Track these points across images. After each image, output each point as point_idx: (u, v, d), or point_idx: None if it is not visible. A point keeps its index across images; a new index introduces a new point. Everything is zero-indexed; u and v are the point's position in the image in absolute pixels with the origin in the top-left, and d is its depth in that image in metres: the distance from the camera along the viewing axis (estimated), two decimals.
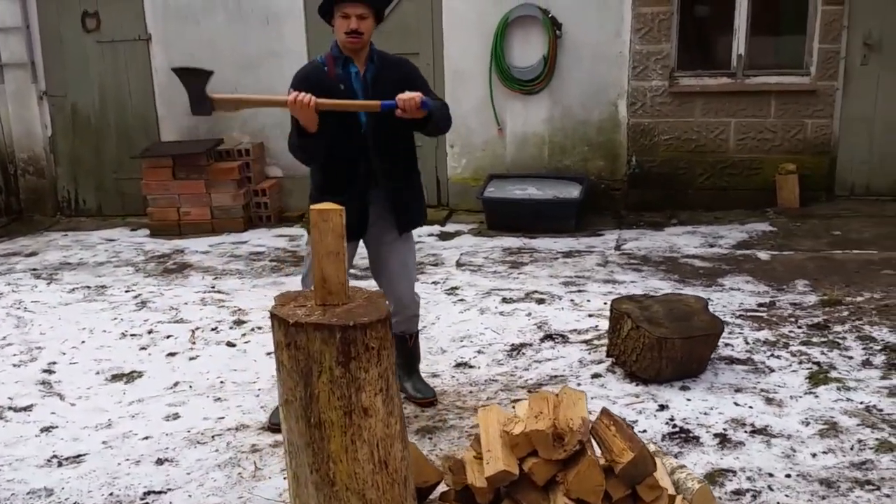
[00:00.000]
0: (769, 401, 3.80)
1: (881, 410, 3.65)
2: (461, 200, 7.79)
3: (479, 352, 4.68)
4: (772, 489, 3.13)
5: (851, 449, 3.36)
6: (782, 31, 7.34)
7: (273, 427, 3.84)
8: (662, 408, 3.79)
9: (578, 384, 4.13)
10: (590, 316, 5.09)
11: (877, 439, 3.40)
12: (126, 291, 6.04)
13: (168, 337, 5.13)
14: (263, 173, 8.04)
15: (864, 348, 4.33)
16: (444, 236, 7.14)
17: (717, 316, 4.23)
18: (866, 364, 4.14)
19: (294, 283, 5.99)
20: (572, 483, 2.72)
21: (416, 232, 7.08)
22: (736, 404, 3.77)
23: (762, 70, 7.30)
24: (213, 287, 6.02)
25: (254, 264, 6.66)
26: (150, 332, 5.22)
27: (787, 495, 3.08)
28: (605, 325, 4.89)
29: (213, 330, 5.20)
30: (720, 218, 7.17)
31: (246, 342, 5.00)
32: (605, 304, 5.26)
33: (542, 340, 4.79)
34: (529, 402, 2.99)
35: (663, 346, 3.89)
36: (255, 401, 4.26)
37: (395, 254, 3.94)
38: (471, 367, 4.52)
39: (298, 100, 3.37)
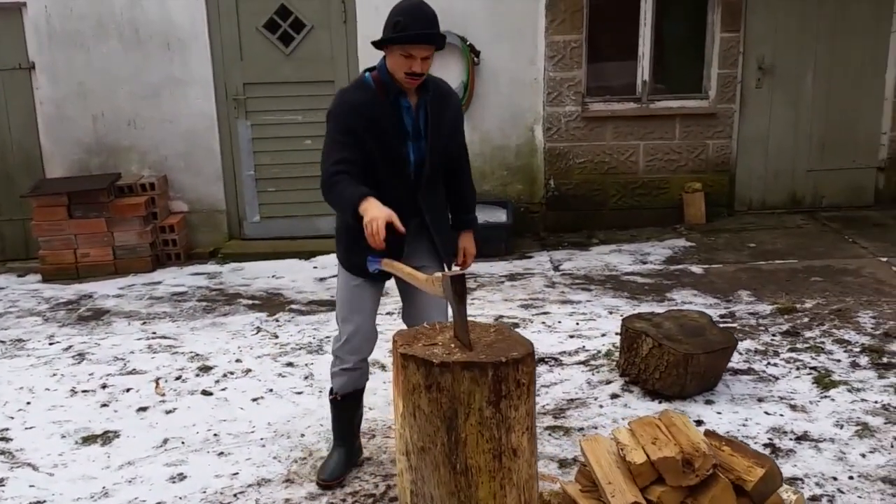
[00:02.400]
0: (793, 408, 3.96)
1: None
2: None
3: None
4: (842, 492, 3.25)
5: (892, 447, 3.55)
6: (683, 57, 7.75)
7: (325, 484, 3.58)
8: (699, 423, 3.85)
9: (601, 406, 4.14)
10: (571, 337, 5.11)
11: None
12: (50, 344, 5.45)
13: (128, 390, 4.66)
14: (168, 208, 7.54)
15: (845, 351, 4.61)
16: None
17: (725, 329, 4.37)
18: (855, 366, 4.41)
19: (235, 324, 5.67)
20: None
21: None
22: (767, 413, 3.90)
23: (666, 95, 7.69)
24: (155, 333, 5.55)
25: (181, 306, 6.20)
26: (103, 386, 4.73)
27: (859, 496, 3.21)
28: (591, 345, 4.97)
29: (177, 379, 4.78)
30: (636, 236, 7.45)
31: (222, 390, 4.63)
32: (577, 324, 5.36)
33: (536, 364, 4.75)
34: (634, 429, 2.95)
35: (689, 361, 3.97)
36: (262, 452, 3.94)
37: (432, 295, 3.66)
38: None
39: (376, 234, 2.95)
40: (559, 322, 5.40)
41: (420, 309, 3.53)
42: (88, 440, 4.13)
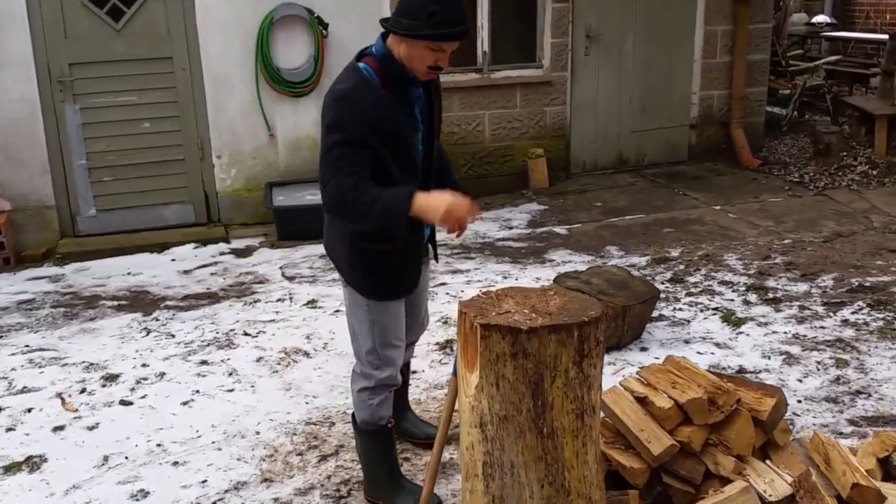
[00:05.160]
0: (718, 345, 4.34)
1: (805, 336, 4.38)
2: (235, 214, 7.29)
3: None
4: (798, 415, 3.63)
5: (818, 371, 4.00)
6: (519, 28, 8.02)
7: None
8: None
9: None
10: None
11: (830, 358, 4.09)
12: None
13: (29, 410, 4.17)
14: None
15: (733, 291, 5.09)
16: (239, 253, 6.66)
17: (646, 279, 4.66)
18: (748, 303, 4.89)
19: (110, 327, 5.24)
20: (733, 441, 2.91)
21: (206, 252, 6.59)
22: (699, 353, 4.24)
23: (505, 65, 7.94)
24: (28, 346, 4.96)
25: (36, 314, 5.58)
26: None
27: (814, 417, 3.60)
28: None
29: (83, 392, 4.33)
30: (490, 203, 7.66)
31: (142, 397, 4.26)
32: (479, 290, 5.44)
33: None
34: (646, 377, 3.10)
35: (626, 313, 4.21)
36: (222, 455, 3.71)
37: (426, 276, 3.45)
38: (413, 371, 4.39)
39: (464, 218, 2.76)
40: (462, 291, 5.48)
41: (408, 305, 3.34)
42: (12, 469, 3.66)
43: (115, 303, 5.73)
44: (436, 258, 3.47)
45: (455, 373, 2.84)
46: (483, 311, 2.51)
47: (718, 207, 7.13)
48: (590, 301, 2.55)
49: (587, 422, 2.50)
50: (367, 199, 2.75)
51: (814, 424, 3.52)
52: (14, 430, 3.99)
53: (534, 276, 5.67)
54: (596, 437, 2.56)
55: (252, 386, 4.35)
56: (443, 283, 5.65)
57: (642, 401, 3.01)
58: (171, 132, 7.04)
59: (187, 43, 6.90)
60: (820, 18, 11.23)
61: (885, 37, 9.65)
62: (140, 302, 5.73)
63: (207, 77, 7.00)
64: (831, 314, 4.66)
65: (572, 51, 8.01)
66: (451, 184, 3.41)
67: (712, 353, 4.24)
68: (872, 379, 3.90)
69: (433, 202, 2.74)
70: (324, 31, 7.13)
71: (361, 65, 2.90)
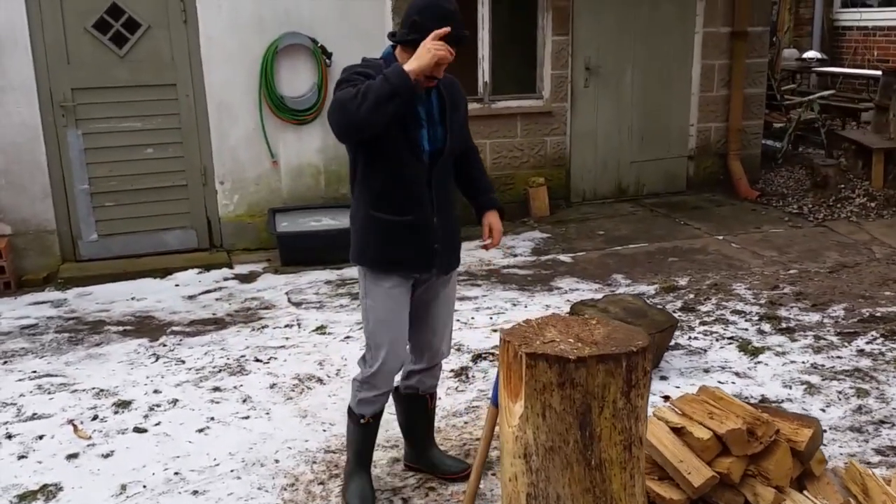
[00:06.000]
0: (738, 374, 4.34)
1: (823, 366, 4.39)
2: (237, 240, 7.25)
3: None
4: (824, 444, 3.60)
5: (839, 400, 4.01)
6: (519, 60, 8.08)
7: None
8: (666, 398, 4.09)
9: None
10: (494, 331, 5.19)
11: (850, 388, 4.10)
12: None
13: (41, 437, 4.09)
14: None
15: (746, 321, 5.10)
16: (243, 279, 6.61)
17: (662, 309, 4.66)
18: (763, 332, 4.90)
19: (117, 353, 5.17)
20: (772, 472, 2.90)
21: (210, 277, 6.55)
22: (720, 382, 4.23)
23: (505, 95, 7.99)
24: (36, 371, 4.88)
25: (40, 339, 5.50)
26: (8, 437, 4.10)
27: (840, 446, 3.59)
28: None
29: (95, 419, 4.26)
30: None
31: (156, 424, 4.19)
32: (491, 318, 5.46)
33: (473, 361, 4.79)
34: (681, 408, 3.09)
35: None
36: (242, 484, 3.65)
37: (445, 299, 3.43)
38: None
39: (441, 46, 2.89)
40: (472, 318, 5.46)
41: (428, 325, 3.42)
42: (27, 497, 3.58)
43: (121, 328, 5.66)
44: (453, 266, 3.42)
45: (495, 402, 2.82)
46: (527, 341, 2.49)
47: (721, 237, 7.18)
48: (635, 331, 2.55)
49: (635, 453, 2.48)
50: (369, 93, 2.84)
51: (840, 454, 3.52)
52: (26, 457, 3.91)
53: (543, 304, 5.67)
54: (642, 469, 2.54)
55: (267, 413, 4.29)
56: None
57: (678, 431, 3.00)
58: (173, 158, 7.01)
59: (191, 70, 6.90)
60: (811, 54, 11.41)
61: (876, 72, 9.84)
62: (146, 327, 5.66)
63: (211, 104, 6.99)
64: (846, 344, 4.68)
65: (572, 82, 8.08)
66: (484, 198, 3.42)
67: (733, 383, 4.24)
68: (894, 409, 3.91)
69: (412, 60, 2.88)
70: (327, 61, 7.16)
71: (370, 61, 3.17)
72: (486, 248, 3.47)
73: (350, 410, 3.43)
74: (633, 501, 2.50)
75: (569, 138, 8.21)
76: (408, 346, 3.43)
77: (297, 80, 7.15)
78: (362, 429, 3.41)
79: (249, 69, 7.01)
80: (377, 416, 3.42)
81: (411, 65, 2.87)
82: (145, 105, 6.84)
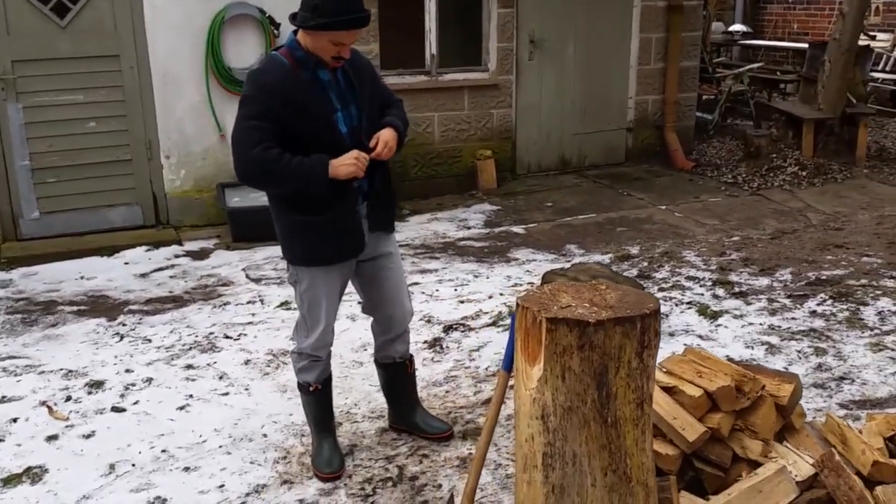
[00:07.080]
0: (701, 337, 4.54)
1: (780, 327, 4.62)
2: (185, 216, 7.12)
3: None
4: None
5: (800, 359, 4.24)
6: (466, 32, 8.12)
7: (332, 476, 3.47)
8: None
9: None
10: (461, 303, 5.28)
11: (809, 347, 4.34)
12: None
13: (15, 420, 4.00)
14: None
15: (700, 286, 5.32)
16: (195, 255, 6.51)
17: (628, 276, 4.82)
18: (718, 297, 5.12)
19: (76, 333, 5.07)
20: (759, 425, 3.07)
21: (160, 254, 6.44)
22: (686, 345, 4.39)
23: (452, 68, 8.03)
24: None
25: None
26: None
27: (806, 401, 3.80)
28: (486, 307, 5.19)
29: (69, 400, 4.18)
30: (441, 204, 7.73)
31: (134, 403, 4.15)
32: (455, 289, 5.54)
33: (445, 332, 4.87)
34: (670, 368, 3.23)
35: None
36: (233, 459, 3.66)
37: (393, 267, 3.56)
38: None
39: (360, 162, 3.15)
40: (437, 290, 5.53)
41: (383, 298, 3.55)
42: (12, 481, 3.51)
43: (75, 308, 5.52)
44: (388, 229, 3.51)
45: (506, 367, 2.91)
46: (544, 306, 2.57)
47: (664, 207, 7.41)
48: (645, 294, 2.66)
49: (646, 410, 2.60)
50: (281, 166, 3.04)
51: (808, 410, 3.73)
52: (3, 440, 3.83)
53: (504, 275, 5.78)
54: (651, 425, 2.67)
55: (246, 389, 4.29)
56: (416, 283, 5.68)
57: (670, 390, 3.14)
58: (117, 132, 6.83)
59: (135, 41, 6.71)
60: (737, 27, 11.79)
61: (798, 45, 10.25)
62: (101, 306, 5.55)
63: (156, 76, 6.82)
64: (798, 306, 4.94)
65: (517, 55, 8.17)
66: (385, 121, 3.31)
67: (698, 345, 4.43)
68: (852, 365, 4.17)
69: (339, 162, 3.10)
70: (275, 31, 7.06)
71: (273, 54, 3.24)
72: (376, 156, 3.24)
73: (298, 384, 3.59)
74: (643, 455, 2.63)
75: (514, 111, 8.31)
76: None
77: (244, 51, 7.03)
78: (314, 397, 3.57)
79: (195, 39, 6.86)
80: (325, 382, 3.57)
81: (335, 170, 3.09)
82: (88, 77, 6.63)
